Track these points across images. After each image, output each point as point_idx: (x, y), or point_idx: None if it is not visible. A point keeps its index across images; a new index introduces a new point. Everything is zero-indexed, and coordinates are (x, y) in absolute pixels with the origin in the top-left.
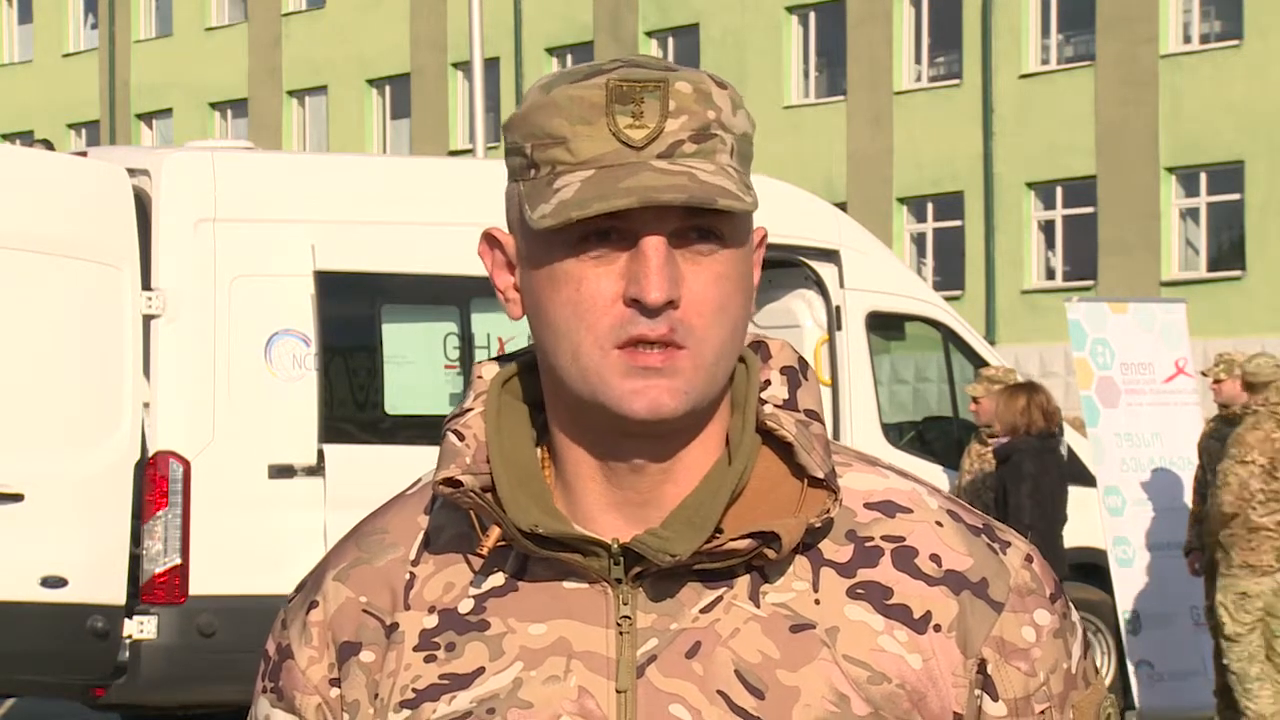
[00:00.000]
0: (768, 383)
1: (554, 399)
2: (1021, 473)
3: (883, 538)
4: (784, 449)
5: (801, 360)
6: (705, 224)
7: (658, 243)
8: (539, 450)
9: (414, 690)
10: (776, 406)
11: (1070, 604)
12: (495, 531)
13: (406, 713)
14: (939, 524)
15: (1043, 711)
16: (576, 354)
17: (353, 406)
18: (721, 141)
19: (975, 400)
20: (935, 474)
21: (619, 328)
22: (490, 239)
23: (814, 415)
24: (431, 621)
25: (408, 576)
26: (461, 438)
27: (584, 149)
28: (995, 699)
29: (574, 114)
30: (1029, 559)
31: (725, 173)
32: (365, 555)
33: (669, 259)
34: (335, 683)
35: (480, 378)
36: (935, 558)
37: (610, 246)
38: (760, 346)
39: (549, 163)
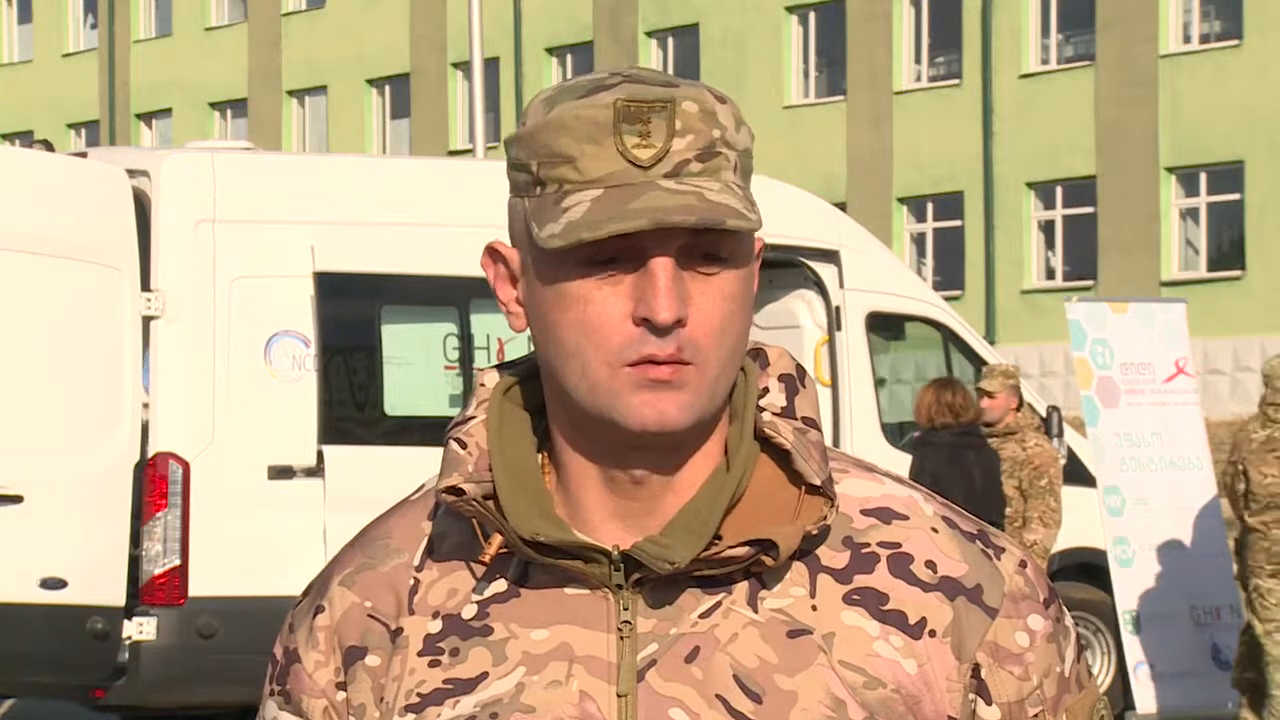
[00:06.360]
0: (766, 390)
1: (557, 410)
2: (928, 468)
3: (879, 544)
4: (782, 456)
5: (799, 368)
6: (711, 243)
7: (666, 263)
8: (540, 457)
9: (418, 695)
10: (774, 414)
11: (1064, 608)
12: (497, 539)
13: (411, 717)
14: (934, 530)
15: (1036, 715)
16: (585, 372)
17: (352, 407)
18: (726, 159)
19: (990, 395)
20: None
21: (628, 347)
22: (493, 252)
23: (811, 423)
24: (435, 626)
25: (412, 582)
26: (464, 445)
27: (591, 168)
28: (989, 703)
29: (581, 133)
30: (1023, 565)
31: (731, 191)
32: (370, 560)
33: (677, 278)
34: (341, 686)
35: (483, 385)
36: (931, 564)
37: (618, 267)
38: (759, 354)
39: (556, 181)
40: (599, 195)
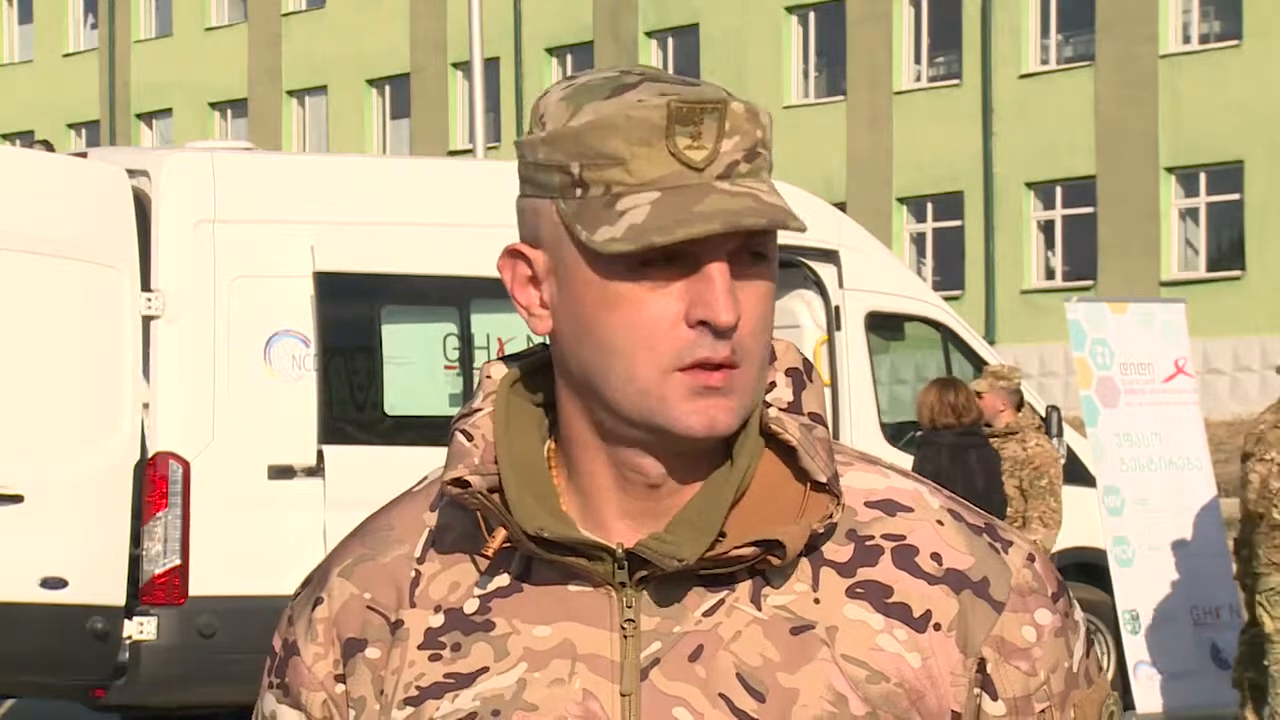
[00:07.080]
0: (773, 384)
1: (576, 410)
2: (929, 468)
3: (883, 536)
4: (787, 452)
5: (806, 362)
6: (759, 244)
7: (722, 265)
8: (547, 451)
9: (418, 688)
10: (781, 410)
11: (1074, 603)
12: (501, 533)
13: (410, 710)
14: (940, 523)
15: (1043, 710)
16: (632, 376)
17: (352, 407)
18: (764, 160)
19: (979, 395)
20: None
21: (683, 350)
22: (513, 254)
23: (818, 418)
24: (437, 620)
25: (413, 574)
26: (470, 438)
27: (643, 170)
28: (995, 698)
29: (632, 135)
30: (1031, 558)
31: (774, 191)
32: (371, 551)
33: (731, 281)
34: (340, 679)
35: (489, 378)
36: (936, 556)
37: (670, 268)
38: None
39: (603, 183)
40: (657, 198)
